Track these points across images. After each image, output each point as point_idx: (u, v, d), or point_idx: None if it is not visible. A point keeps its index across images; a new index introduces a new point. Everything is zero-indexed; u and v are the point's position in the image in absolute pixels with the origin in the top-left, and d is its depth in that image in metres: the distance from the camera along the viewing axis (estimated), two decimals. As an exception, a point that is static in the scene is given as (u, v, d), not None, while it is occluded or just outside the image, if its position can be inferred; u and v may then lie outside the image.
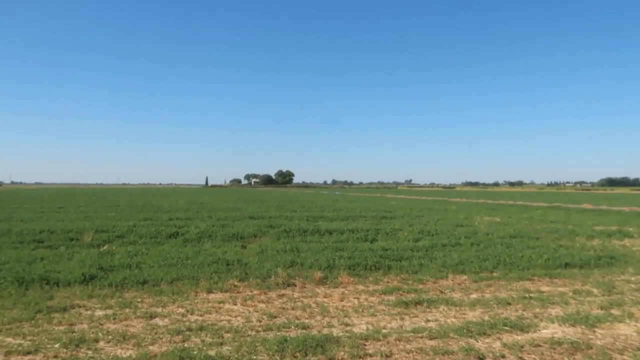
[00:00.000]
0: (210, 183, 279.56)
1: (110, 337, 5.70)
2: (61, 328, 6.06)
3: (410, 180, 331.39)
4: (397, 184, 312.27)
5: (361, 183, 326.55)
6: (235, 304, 7.34)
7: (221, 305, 7.27)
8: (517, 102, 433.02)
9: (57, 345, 5.38)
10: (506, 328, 6.09)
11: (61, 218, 20.57)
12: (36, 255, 11.01)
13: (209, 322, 6.34)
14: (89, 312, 6.79)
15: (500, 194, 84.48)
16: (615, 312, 6.95)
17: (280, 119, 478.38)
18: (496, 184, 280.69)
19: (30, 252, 11.49)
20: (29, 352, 5.20)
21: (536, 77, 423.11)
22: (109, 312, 6.80)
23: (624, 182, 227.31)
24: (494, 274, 9.70)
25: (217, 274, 9.27)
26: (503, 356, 5.22)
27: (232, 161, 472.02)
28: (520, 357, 5.21)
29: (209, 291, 8.14)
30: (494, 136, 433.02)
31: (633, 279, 9.45)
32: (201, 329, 6.04)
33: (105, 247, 12.50)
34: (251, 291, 8.19)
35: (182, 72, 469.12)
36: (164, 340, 5.63)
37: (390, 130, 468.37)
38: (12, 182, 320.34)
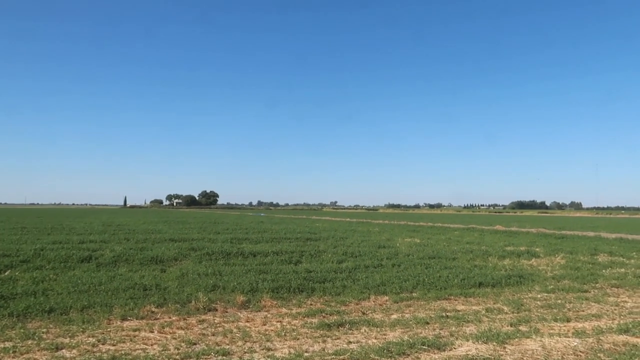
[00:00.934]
0: (129, 203, 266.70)
1: (8, 372, 5.21)
2: (-50, 364, 5.46)
3: (336, 202, 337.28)
4: (322, 205, 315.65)
5: (287, 204, 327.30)
6: (151, 332, 6.98)
7: (136, 333, 6.89)
8: (435, 129, 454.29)
9: (-57, 385, 4.83)
10: (424, 347, 6.25)
11: (-43, 241, 18.72)
12: None
13: (122, 352, 5.97)
14: (-16, 346, 6.17)
15: (420, 216, 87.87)
16: (523, 328, 7.36)
17: (203, 138, 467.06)
18: (417, 206, 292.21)
19: None
20: None
21: (452, 107, 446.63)
22: (8, 344, 6.21)
23: (531, 205, 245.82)
24: (414, 294, 9.98)
25: (133, 300, 8.81)
26: (421, 375, 5.34)
27: (153, 181, 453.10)
28: (438, 376, 5.36)
29: (124, 318, 7.70)
30: (415, 161, 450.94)
31: (539, 296, 10.10)
32: (113, 359, 5.68)
33: (6, 273, 11.49)
34: (169, 317, 7.85)
35: (98, 83, 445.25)
36: (70, 373, 5.22)
37: (317, 153, 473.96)
38: None
